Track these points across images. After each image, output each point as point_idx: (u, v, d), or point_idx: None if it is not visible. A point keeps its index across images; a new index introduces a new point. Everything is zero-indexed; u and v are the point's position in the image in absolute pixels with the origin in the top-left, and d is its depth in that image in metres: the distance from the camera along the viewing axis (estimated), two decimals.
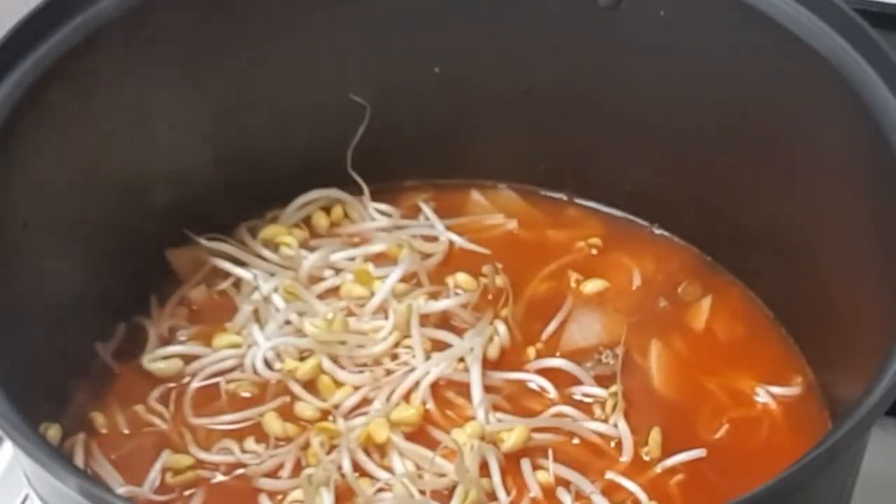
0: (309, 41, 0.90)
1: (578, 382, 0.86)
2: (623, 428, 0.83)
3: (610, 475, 0.81)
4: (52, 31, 0.81)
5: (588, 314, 0.91)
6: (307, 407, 0.84)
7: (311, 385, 0.86)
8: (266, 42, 0.89)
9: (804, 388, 0.87)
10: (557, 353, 0.88)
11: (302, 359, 0.86)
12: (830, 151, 0.82)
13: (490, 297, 0.90)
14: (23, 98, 0.78)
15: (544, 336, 0.89)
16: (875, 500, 0.84)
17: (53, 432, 0.81)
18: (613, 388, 0.85)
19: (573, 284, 0.93)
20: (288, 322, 0.88)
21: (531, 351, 0.88)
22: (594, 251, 0.95)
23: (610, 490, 0.81)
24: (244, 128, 0.91)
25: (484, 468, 0.80)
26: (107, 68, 0.83)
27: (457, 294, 0.90)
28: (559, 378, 0.86)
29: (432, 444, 0.81)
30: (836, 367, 0.84)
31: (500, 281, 0.91)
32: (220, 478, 0.82)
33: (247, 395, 0.86)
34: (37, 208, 0.80)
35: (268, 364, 0.86)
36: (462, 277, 0.91)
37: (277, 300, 0.89)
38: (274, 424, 0.84)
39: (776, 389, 0.87)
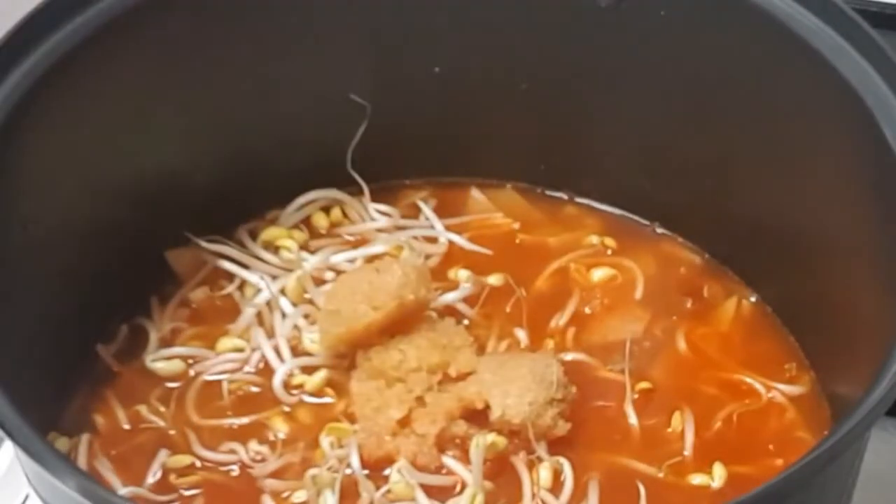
0: (309, 41, 0.90)
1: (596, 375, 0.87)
2: (633, 417, 0.84)
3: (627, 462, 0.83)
4: (52, 31, 0.80)
5: (597, 311, 0.91)
6: (312, 412, 0.85)
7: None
8: (266, 42, 0.89)
9: (805, 387, 0.87)
10: (571, 349, 0.88)
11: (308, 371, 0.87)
12: (830, 151, 0.82)
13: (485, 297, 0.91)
14: (23, 98, 0.78)
15: (555, 334, 0.90)
16: (875, 500, 0.84)
17: (61, 444, 0.81)
18: (617, 365, 0.86)
19: (579, 280, 0.93)
20: (295, 327, 0.88)
21: (549, 344, 0.89)
22: (609, 251, 0.95)
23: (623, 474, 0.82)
24: (244, 128, 0.91)
25: (496, 467, 0.81)
26: (106, 68, 0.83)
27: (464, 287, 0.90)
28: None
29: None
30: (837, 366, 0.84)
31: (495, 281, 0.92)
32: (223, 478, 0.82)
33: (253, 390, 0.86)
34: (37, 209, 0.81)
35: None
36: (464, 274, 0.92)
37: (283, 303, 0.89)
38: (280, 426, 0.84)
39: (778, 388, 0.87)
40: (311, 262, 0.91)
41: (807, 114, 0.82)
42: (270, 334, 0.88)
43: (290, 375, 0.86)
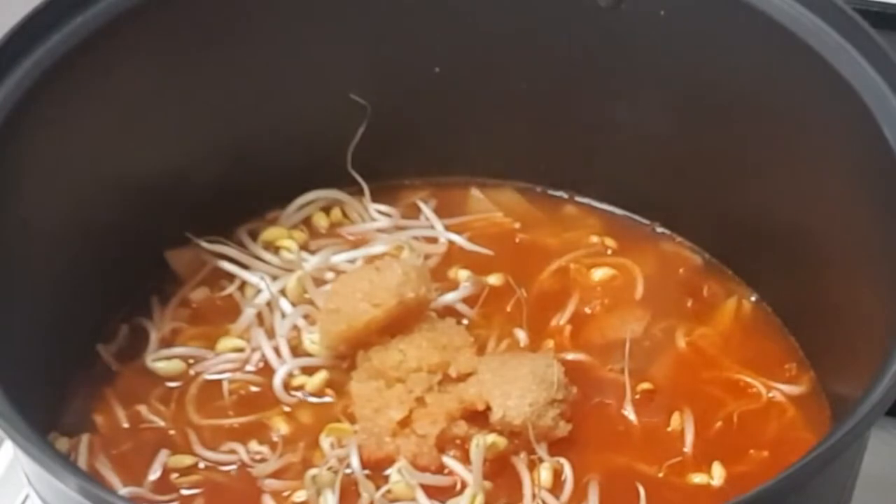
0: (309, 41, 0.90)
1: (596, 375, 0.87)
2: (633, 416, 0.84)
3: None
4: (52, 31, 0.81)
5: (597, 311, 0.91)
6: (313, 412, 0.85)
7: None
8: (266, 42, 0.89)
9: (805, 387, 0.87)
10: (571, 349, 0.88)
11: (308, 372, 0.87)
12: (830, 151, 0.82)
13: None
14: (23, 98, 0.78)
15: (555, 334, 0.90)
16: (875, 500, 0.84)
17: (61, 444, 0.81)
18: (617, 365, 0.86)
19: (579, 280, 0.93)
20: (295, 327, 0.88)
21: (549, 343, 0.89)
22: (609, 251, 0.95)
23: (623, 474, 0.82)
24: (244, 128, 0.91)
25: (496, 467, 0.81)
26: (107, 68, 0.83)
27: (464, 287, 0.90)
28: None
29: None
30: (837, 366, 0.84)
31: (495, 281, 0.92)
32: (223, 478, 0.82)
33: (254, 390, 0.86)
34: (36, 209, 0.81)
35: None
36: (464, 274, 0.92)
37: (283, 303, 0.89)
38: (280, 426, 0.84)
39: (778, 388, 0.87)
40: (311, 262, 0.91)
41: (807, 114, 0.82)
42: (271, 334, 0.88)
43: (291, 376, 0.86)
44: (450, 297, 0.90)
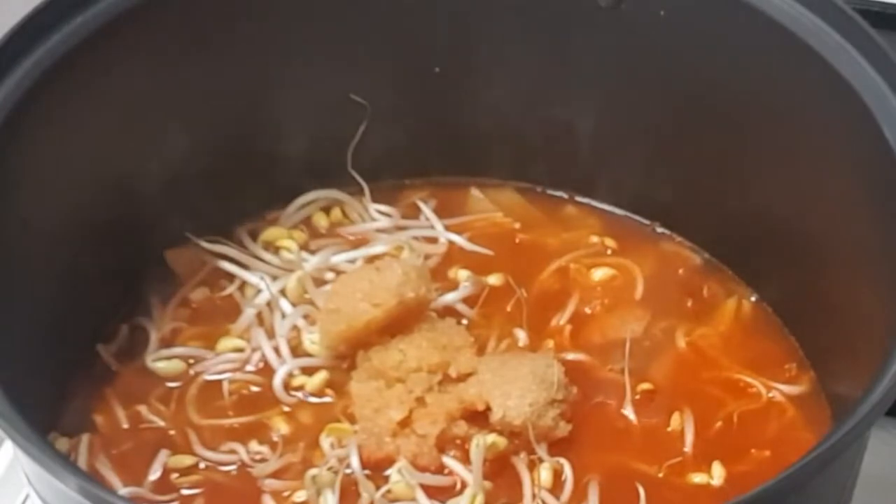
0: (309, 41, 0.90)
1: (596, 375, 0.87)
2: (633, 417, 0.84)
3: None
4: (52, 31, 0.81)
5: (597, 311, 0.91)
6: (313, 412, 0.85)
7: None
8: (266, 42, 0.89)
9: (805, 387, 0.87)
10: (571, 349, 0.88)
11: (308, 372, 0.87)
12: (830, 151, 0.82)
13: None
14: (23, 98, 0.78)
15: (555, 334, 0.90)
16: (875, 500, 0.84)
17: (61, 444, 0.81)
18: (617, 365, 0.86)
19: (579, 280, 0.93)
20: (295, 327, 0.88)
21: (549, 343, 0.89)
22: (609, 251, 0.95)
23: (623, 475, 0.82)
24: (244, 128, 0.91)
25: (496, 467, 0.81)
26: (107, 68, 0.83)
27: (464, 287, 0.90)
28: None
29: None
30: (837, 366, 0.85)
31: (495, 281, 0.92)
32: (223, 478, 0.82)
33: (254, 390, 0.86)
34: (37, 209, 0.81)
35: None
36: (464, 274, 0.92)
37: (283, 304, 0.89)
38: (280, 426, 0.84)
39: (778, 388, 0.87)
40: (311, 262, 0.91)
41: (806, 114, 0.82)
42: (271, 334, 0.88)
43: (291, 376, 0.86)
44: (450, 297, 0.90)
